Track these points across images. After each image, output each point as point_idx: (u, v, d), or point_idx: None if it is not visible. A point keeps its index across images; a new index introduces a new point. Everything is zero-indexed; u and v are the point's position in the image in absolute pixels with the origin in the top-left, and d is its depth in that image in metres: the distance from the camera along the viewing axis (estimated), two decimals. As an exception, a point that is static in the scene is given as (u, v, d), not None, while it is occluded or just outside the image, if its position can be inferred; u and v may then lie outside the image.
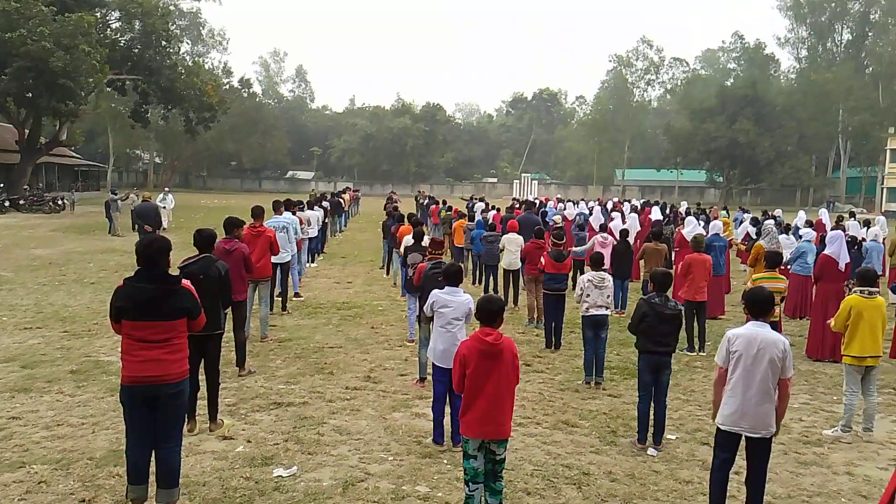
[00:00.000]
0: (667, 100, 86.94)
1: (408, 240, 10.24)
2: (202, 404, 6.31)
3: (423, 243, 9.30)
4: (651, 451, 6.08)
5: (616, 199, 33.62)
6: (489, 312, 4.67)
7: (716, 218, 18.36)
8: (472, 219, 17.82)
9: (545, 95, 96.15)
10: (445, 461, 5.75)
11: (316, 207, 17.96)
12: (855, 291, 6.79)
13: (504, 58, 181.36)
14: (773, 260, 8.54)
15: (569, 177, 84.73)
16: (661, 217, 19.70)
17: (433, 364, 6.14)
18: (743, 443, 4.69)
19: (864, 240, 13.81)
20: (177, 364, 4.60)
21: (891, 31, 67.11)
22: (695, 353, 9.66)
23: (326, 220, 20.25)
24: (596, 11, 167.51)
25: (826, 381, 8.52)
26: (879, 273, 12.56)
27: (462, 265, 9.04)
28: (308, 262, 16.73)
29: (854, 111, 62.39)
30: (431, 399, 6.23)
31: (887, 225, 17.74)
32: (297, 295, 12.66)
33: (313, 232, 16.28)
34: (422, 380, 7.72)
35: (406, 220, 14.51)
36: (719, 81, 75.84)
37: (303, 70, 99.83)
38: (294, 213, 13.27)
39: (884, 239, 15.29)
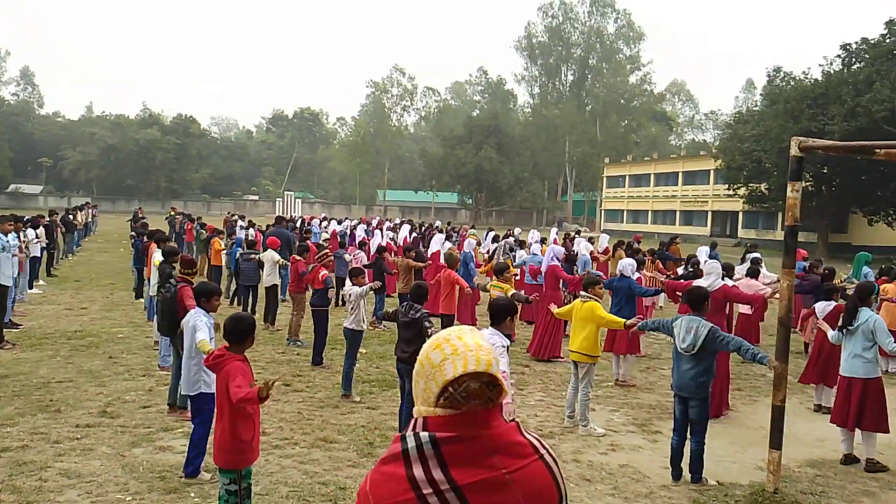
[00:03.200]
0: (422, 126, 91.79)
1: (158, 257, 9.53)
2: None
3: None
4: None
5: (378, 218, 34.59)
6: (236, 333, 4.49)
7: (464, 237, 19.75)
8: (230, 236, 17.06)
9: (307, 115, 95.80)
10: (193, 494, 5.38)
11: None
12: (580, 296, 7.71)
13: (262, 74, 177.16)
14: (499, 270, 9.44)
15: (333, 196, 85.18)
16: (407, 235, 20.59)
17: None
18: None
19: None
20: None
21: (605, 74, 78.16)
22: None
23: (46, 241, 17.99)
24: (352, 38, 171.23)
25: (556, 380, 9.54)
26: (600, 281, 14.44)
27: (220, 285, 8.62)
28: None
29: (577, 143, 71.42)
30: (177, 431, 5.81)
31: (606, 240, 20.34)
32: (10, 324, 10.98)
33: (34, 252, 14.39)
34: (182, 408, 7.13)
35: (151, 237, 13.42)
36: (467, 112, 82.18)
37: (29, 72, 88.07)
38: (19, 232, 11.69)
39: (592, 252, 17.51)
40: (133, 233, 18.79)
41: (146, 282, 12.32)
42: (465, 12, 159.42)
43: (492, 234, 21.35)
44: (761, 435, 6.02)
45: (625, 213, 64.73)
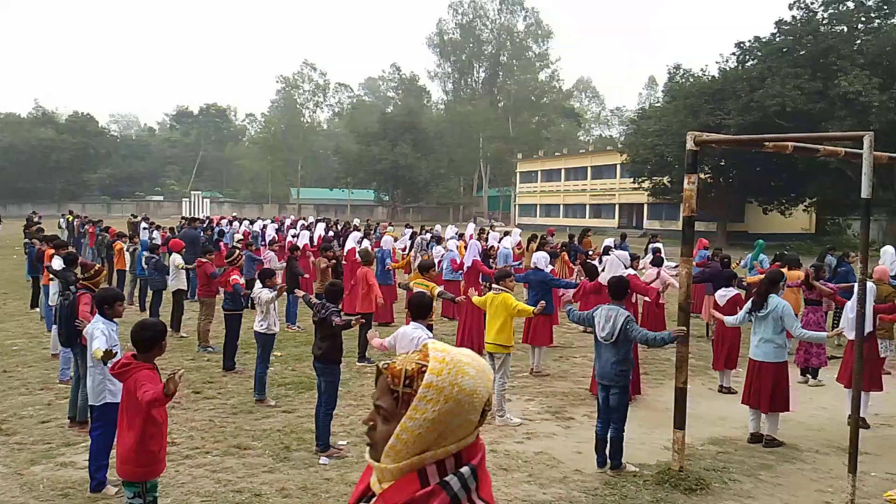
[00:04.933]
0: (335, 122, 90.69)
1: (58, 264, 9.01)
2: None
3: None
4: (323, 459, 6.22)
5: (293, 217, 34.06)
6: (142, 340, 4.31)
7: (384, 233, 19.68)
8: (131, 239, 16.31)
9: (213, 111, 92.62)
10: (99, 510, 5.14)
11: None
12: (493, 289, 7.84)
13: (164, 69, 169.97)
14: (424, 267, 9.44)
15: (243, 195, 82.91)
16: (322, 233, 20.40)
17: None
18: None
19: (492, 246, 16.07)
20: None
21: (516, 71, 79.66)
22: (364, 363, 10.02)
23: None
24: (259, 31, 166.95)
25: (475, 374, 9.65)
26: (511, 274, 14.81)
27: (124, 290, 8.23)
28: None
29: (491, 140, 72.45)
30: (79, 445, 5.52)
31: (519, 234, 20.86)
32: None
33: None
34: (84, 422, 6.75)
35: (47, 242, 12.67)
36: (381, 108, 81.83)
37: None
38: None
39: (514, 245, 17.96)
40: (27, 239, 17.68)
41: (42, 290, 11.64)
42: (375, 8, 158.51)
43: (409, 230, 21.39)
44: (667, 416, 6.30)
45: (538, 207, 66.20)
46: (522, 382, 9.30)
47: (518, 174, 70.11)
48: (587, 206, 59.26)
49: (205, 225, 23.30)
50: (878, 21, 34.36)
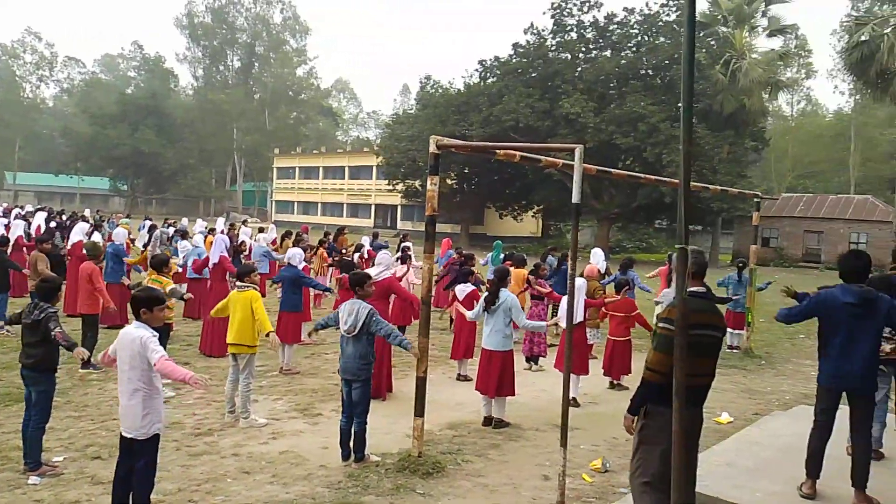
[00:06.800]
0: (64, 101, 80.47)
1: None
2: None
3: None
4: (32, 479, 5.46)
5: (6, 205, 29.55)
6: None
7: (118, 225, 17.89)
8: None
9: None
10: None
11: None
12: (236, 287, 7.53)
13: None
14: (157, 262, 8.77)
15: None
16: (42, 224, 18.07)
17: None
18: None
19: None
20: None
21: (273, 64, 77.63)
22: (89, 370, 8.98)
23: None
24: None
25: (219, 374, 9.15)
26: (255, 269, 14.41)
27: None
28: None
29: (247, 131, 69.82)
30: None
31: (275, 231, 20.41)
32: None
33: None
34: None
35: None
36: (120, 88, 74.38)
37: None
38: None
39: (270, 242, 17.56)
40: None
41: None
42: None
43: (148, 223, 19.70)
44: (411, 406, 6.58)
45: (295, 204, 65.22)
46: (271, 382, 9.09)
47: (275, 169, 68.47)
48: (344, 205, 59.87)
49: None
50: (595, 52, 39.60)
